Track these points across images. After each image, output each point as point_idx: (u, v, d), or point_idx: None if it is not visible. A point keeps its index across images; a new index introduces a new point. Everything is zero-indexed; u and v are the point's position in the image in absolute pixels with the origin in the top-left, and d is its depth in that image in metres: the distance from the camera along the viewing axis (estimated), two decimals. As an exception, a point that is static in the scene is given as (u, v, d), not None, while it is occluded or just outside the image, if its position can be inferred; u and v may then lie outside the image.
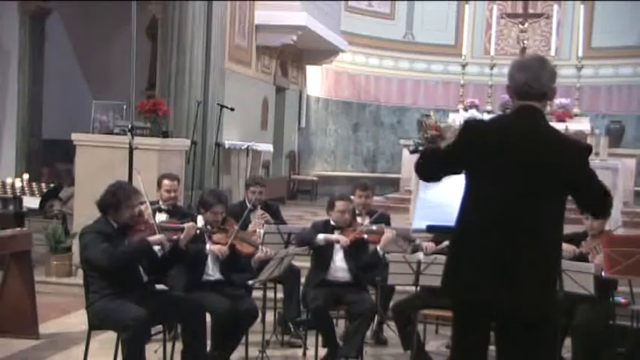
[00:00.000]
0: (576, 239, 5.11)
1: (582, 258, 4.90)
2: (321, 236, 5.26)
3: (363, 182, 5.93)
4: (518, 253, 2.96)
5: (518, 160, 2.98)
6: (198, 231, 4.75)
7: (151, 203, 4.84)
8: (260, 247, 5.03)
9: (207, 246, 4.89)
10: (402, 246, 5.30)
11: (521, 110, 3.08)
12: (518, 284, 2.95)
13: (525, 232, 2.97)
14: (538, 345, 3.07)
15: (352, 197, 5.71)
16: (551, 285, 3.07)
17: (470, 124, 3.17)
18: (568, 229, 5.87)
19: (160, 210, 5.63)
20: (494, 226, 2.99)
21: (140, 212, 4.56)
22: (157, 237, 4.40)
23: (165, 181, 5.85)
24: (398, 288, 5.54)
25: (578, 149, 3.11)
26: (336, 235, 5.26)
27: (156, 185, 5.85)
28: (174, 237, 4.60)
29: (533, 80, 3.06)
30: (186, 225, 4.66)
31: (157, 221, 4.72)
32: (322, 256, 5.28)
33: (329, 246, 5.27)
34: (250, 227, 5.62)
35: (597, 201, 3.15)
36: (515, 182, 2.98)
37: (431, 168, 3.24)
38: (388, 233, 5.21)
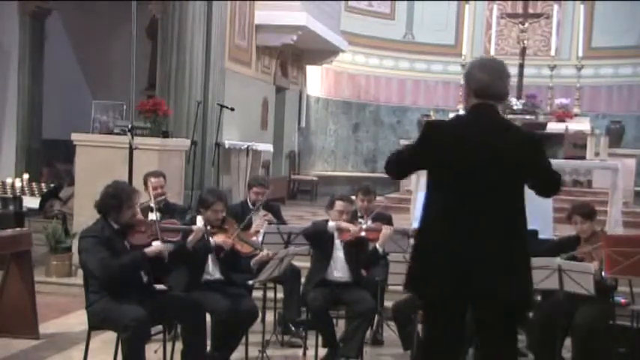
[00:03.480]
0: (570, 244, 5.12)
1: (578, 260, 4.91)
2: (331, 223, 5.26)
3: (365, 186, 5.94)
4: (485, 244, 3.05)
5: (479, 157, 3.09)
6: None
7: (142, 203, 4.83)
8: (260, 249, 5.03)
9: (212, 239, 4.81)
10: (402, 245, 5.30)
11: (477, 108, 3.19)
12: (488, 276, 3.04)
13: (490, 223, 3.07)
14: (507, 333, 3.17)
15: (354, 199, 5.73)
16: (522, 273, 3.14)
17: (431, 125, 3.29)
18: (565, 228, 5.93)
19: (152, 209, 5.61)
20: (461, 221, 3.08)
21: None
22: (154, 248, 4.34)
23: (152, 179, 5.86)
24: (398, 288, 5.53)
25: (533, 140, 3.23)
26: (347, 224, 5.26)
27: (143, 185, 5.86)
28: (174, 239, 4.59)
29: (494, 80, 3.17)
30: (194, 227, 4.67)
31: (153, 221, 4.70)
32: (322, 255, 5.29)
33: (329, 245, 5.27)
34: (253, 228, 5.62)
35: (552, 188, 3.29)
36: (477, 177, 3.08)
37: (399, 168, 3.40)
38: (386, 230, 5.23)
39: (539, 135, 3.36)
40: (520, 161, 3.12)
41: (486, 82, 3.16)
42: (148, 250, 4.33)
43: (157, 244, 4.38)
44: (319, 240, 5.29)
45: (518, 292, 3.13)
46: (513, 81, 12.84)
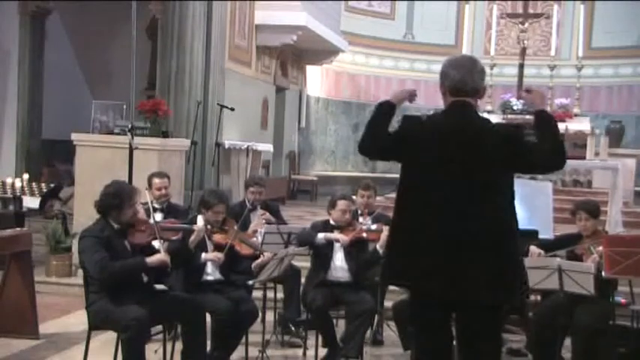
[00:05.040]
0: (571, 241, 5.12)
1: (578, 259, 4.91)
2: (321, 235, 5.26)
3: (366, 182, 5.94)
4: (463, 239, 3.06)
5: (454, 152, 3.12)
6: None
7: (144, 204, 4.83)
8: (261, 252, 5.03)
9: (203, 255, 4.87)
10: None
11: (454, 105, 3.25)
12: (468, 271, 3.05)
13: (470, 218, 3.08)
14: (487, 329, 3.19)
15: (355, 197, 5.72)
16: (507, 269, 3.13)
17: (407, 120, 3.34)
18: (565, 228, 5.93)
19: (155, 209, 5.60)
20: (437, 215, 3.11)
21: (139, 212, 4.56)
22: (157, 260, 4.32)
23: (155, 180, 5.87)
24: (398, 288, 5.53)
25: (508, 134, 3.22)
26: (336, 234, 5.26)
27: (147, 185, 5.86)
28: (174, 237, 4.60)
29: (467, 77, 3.22)
30: (196, 227, 4.68)
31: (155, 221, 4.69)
32: (322, 256, 5.28)
33: (329, 246, 5.26)
34: (251, 227, 5.62)
35: (547, 156, 3.16)
36: (454, 172, 3.11)
37: (375, 147, 3.38)
38: (387, 231, 5.21)
39: (513, 125, 3.37)
40: (499, 155, 3.12)
41: (458, 79, 3.22)
42: (150, 260, 4.30)
43: (156, 244, 4.38)
44: (315, 245, 5.30)
45: (505, 293, 3.15)
46: (513, 81, 12.91)
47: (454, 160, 3.12)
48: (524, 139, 3.22)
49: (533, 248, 4.97)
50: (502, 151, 3.13)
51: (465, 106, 3.22)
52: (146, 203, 4.81)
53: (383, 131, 3.33)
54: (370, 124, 3.37)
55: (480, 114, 3.36)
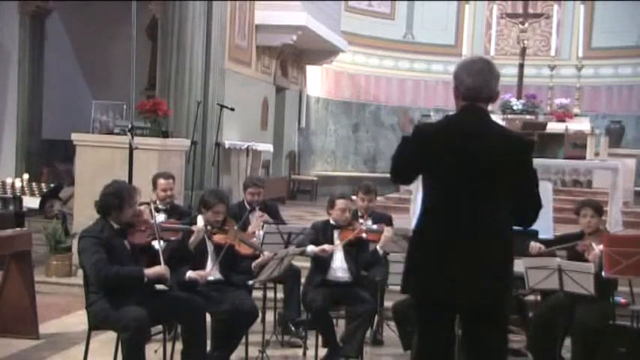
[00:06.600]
0: (572, 239, 5.12)
1: (579, 257, 4.91)
2: (309, 248, 5.23)
3: (366, 185, 5.87)
4: (472, 245, 3.06)
5: (466, 158, 3.08)
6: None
7: (147, 204, 4.83)
8: (260, 252, 5.02)
9: (188, 273, 4.78)
10: (402, 245, 5.29)
11: (465, 110, 3.19)
12: (474, 276, 3.06)
13: (478, 224, 3.07)
14: (493, 333, 3.17)
15: (354, 198, 5.71)
16: (506, 273, 3.15)
17: (418, 129, 3.27)
18: (565, 228, 5.93)
19: (158, 210, 5.60)
20: (450, 221, 3.10)
21: (140, 211, 4.56)
22: (155, 271, 4.30)
23: (161, 181, 5.85)
24: (398, 288, 5.52)
25: (521, 143, 3.19)
26: (322, 247, 5.20)
27: (151, 185, 5.86)
28: (174, 237, 4.60)
29: (483, 86, 3.17)
30: (195, 228, 4.67)
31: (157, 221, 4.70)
32: (322, 256, 5.28)
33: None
34: (250, 229, 5.61)
35: (528, 208, 3.16)
36: (464, 178, 3.09)
37: (403, 173, 3.36)
38: (387, 232, 5.21)
39: (528, 138, 3.33)
40: (505, 164, 3.09)
41: (473, 86, 3.15)
42: (148, 271, 4.29)
43: (156, 244, 4.37)
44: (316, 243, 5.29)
45: (481, 295, 3.14)
46: (513, 81, 12.91)
47: (465, 165, 3.08)
48: (531, 162, 3.15)
49: (532, 243, 4.98)
50: (510, 158, 3.10)
51: (477, 111, 3.17)
52: (148, 203, 4.81)
53: (406, 163, 3.29)
54: (394, 160, 3.31)
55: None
